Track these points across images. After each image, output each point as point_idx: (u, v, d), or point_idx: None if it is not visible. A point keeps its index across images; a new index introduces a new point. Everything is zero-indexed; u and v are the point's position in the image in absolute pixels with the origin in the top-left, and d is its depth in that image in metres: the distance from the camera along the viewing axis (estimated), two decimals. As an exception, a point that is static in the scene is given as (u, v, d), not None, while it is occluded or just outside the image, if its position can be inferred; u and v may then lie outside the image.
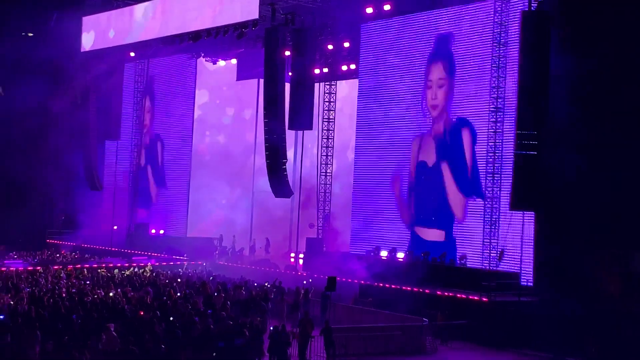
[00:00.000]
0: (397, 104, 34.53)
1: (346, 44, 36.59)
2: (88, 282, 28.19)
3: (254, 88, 44.33)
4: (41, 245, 45.13)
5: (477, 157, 30.61)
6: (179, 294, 25.44)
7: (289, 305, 26.40)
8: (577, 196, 25.57)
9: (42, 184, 48.74)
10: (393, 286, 28.62)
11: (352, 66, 37.89)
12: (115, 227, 45.32)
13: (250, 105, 45.16)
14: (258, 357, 19.68)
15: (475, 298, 26.05)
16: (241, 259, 39.45)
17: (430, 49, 33.28)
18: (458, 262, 30.04)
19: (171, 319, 20.25)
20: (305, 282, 29.91)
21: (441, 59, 32.80)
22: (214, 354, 18.66)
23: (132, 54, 41.79)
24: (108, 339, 17.48)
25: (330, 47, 36.48)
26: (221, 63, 44.38)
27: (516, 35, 27.30)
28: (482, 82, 30.46)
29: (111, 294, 24.42)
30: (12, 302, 21.93)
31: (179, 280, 30.00)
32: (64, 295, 23.96)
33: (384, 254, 32.24)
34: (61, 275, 30.00)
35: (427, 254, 30.59)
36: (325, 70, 38.51)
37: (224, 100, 45.88)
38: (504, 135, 28.52)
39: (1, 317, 17.62)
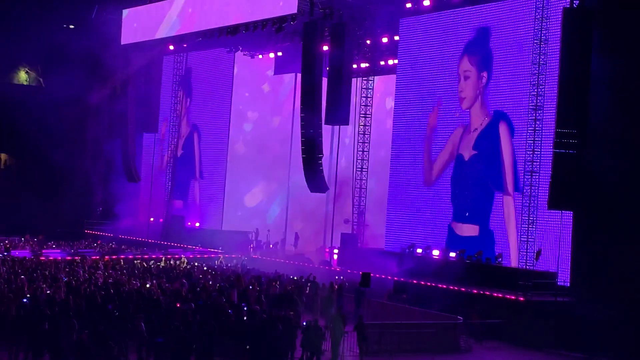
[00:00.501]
0: (434, 99, 34.33)
1: (384, 39, 36.44)
2: (124, 273, 28.43)
3: (292, 82, 44.36)
4: (79, 236, 45.73)
5: (517, 156, 30.31)
6: (213, 286, 25.54)
7: (323, 300, 26.39)
8: (615, 196, 25.19)
9: (80, 174, 49.42)
10: (428, 283, 28.48)
11: (390, 61, 37.74)
12: (151, 219, 45.74)
13: (288, 99, 45.19)
14: (291, 352, 19.72)
15: (512, 297, 25.80)
16: (275, 253, 39.54)
17: (468, 44, 33.04)
18: (494, 260, 29.77)
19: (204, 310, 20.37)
20: (337, 277, 29.84)
21: (470, 52, 32.61)
22: (247, 347, 18.73)
23: (171, 47, 42.07)
24: (135, 330, 17.65)
25: (368, 42, 36.30)
26: (259, 57, 44.42)
27: (557, 32, 26.93)
28: (522, 78, 30.14)
29: (147, 285, 24.61)
30: (49, 292, 22.20)
31: (213, 273, 30.14)
32: (100, 284, 24.23)
33: (419, 251, 32.01)
34: (98, 265, 30.32)
35: (463, 252, 30.39)
36: (363, 65, 38.44)
37: (261, 94, 45.96)
38: (544, 133, 28.21)
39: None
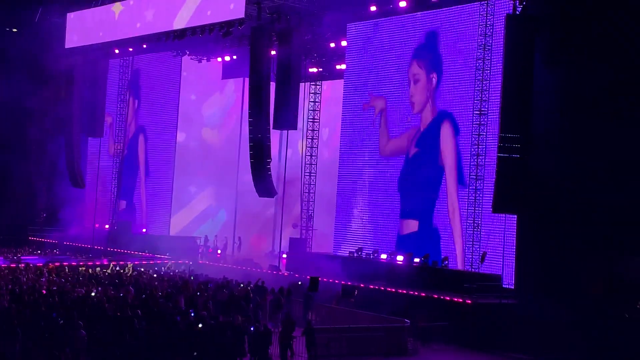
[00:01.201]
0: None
1: (332, 44, 36.60)
2: (69, 280, 27.98)
3: (240, 86, 44.24)
4: (23, 242, 44.87)
5: (461, 159, 30.71)
6: (160, 293, 25.30)
7: (272, 305, 26.34)
8: (559, 200, 25.69)
9: (23, 179, 48.44)
10: (375, 287, 28.65)
11: (338, 66, 37.93)
12: (97, 225, 45.11)
13: (236, 103, 45.05)
14: (240, 357, 19.64)
15: (458, 300, 26.11)
16: (223, 259, 39.33)
17: (414, 49, 33.40)
18: (440, 263, 30.09)
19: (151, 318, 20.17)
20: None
21: (419, 56, 33.00)
22: (195, 354, 18.61)
23: (117, 51, 41.61)
24: (75, 337, 17.39)
25: (316, 46, 36.38)
26: (207, 61, 44.20)
27: (502, 38, 27.37)
28: (468, 83, 30.55)
29: (93, 293, 24.25)
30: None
31: (160, 279, 29.85)
32: (44, 292, 23.80)
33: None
34: (42, 272, 29.79)
35: (411, 255, 30.61)
36: (311, 70, 38.55)
37: (208, 99, 45.74)
38: (488, 137, 28.64)
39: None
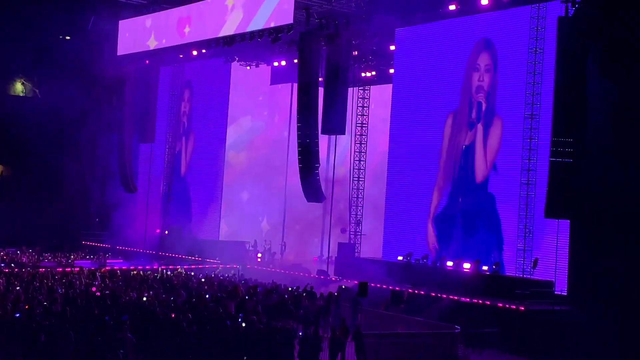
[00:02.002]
0: (430, 109, 34.35)
1: (381, 49, 36.48)
2: (121, 284, 28.36)
3: (288, 92, 44.39)
4: (76, 246, 45.65)
5: (512, 164, 30.28)
6: (209, 297, 25.48)
7: (321, 310, 26.29)
8: (612, 205, 25.22)
9: (77, 185, 49.35)
10: (425, 293, 28.43)
11: (388, 70, 37.82)
12: (158, 231, 45.59)
13: (284, 109, 45.22)
14: (289, 362, 19.66)
15: (510, 306, 25.77)
16: (272, 263, 39.47)
17: (465, 54, 33.07)
18: (491, 269, 29.75)
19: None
20: (344, 286, 29.76)
21: (489, 49, 32.33)
22: (245, 358, 18.68)
23: (166, 58, 42.09)
24: (123, 340, 17.60)
25: (364, 51, 36.33)
26: (256, 67, 44.43)
27: (554, 41, 26.99)
28: (519, 87, 30.14)
29: (144, 297, 24.54)
30: (46, 303, 22.13)
31: (210, 283, 30.07)
32: (97, 295, 24.17)
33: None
34: (95, 276, 30.25)
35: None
36: (360, 74, 38.50)
37: (258, 104, 45.95)
38: (540, 142, 28.27)
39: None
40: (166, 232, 44.74)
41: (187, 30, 38.02)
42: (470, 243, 31.87)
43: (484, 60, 32.55)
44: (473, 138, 32.55)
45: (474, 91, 32.74)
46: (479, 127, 32.36)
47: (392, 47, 36.21)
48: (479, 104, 32.47)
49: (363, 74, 38.55)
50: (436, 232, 33.60)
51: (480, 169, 32.20)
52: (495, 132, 31.59)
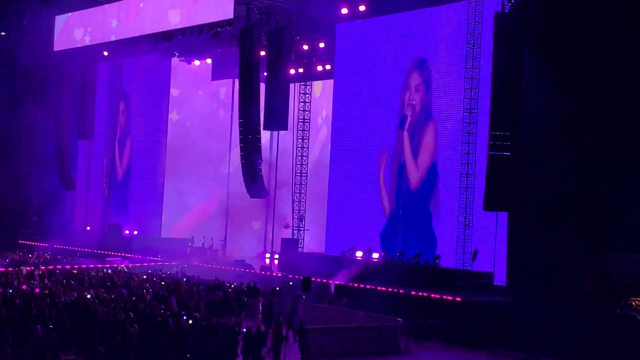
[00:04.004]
0: (372, 104, 34.59)
1: (321, 45, 36.59)
2: (62, 283, 27.87)
3: (229, 88, 44.16)
4: (13, 246, 44.70)
5: (451, 157, 30.69)
6: (151, 294, 25.25)
7: (264, 306, 26.29)
8: (550, 197, 25.76)
9: (13, 183, 48.25)
10: (368, 286, 28.64)
11: (328, 66, 37.94)
12: (88, 228, 44.99)
13: (226, 105, 44.96)
14: (232, 358, 19.61)
15: (450, 298, 26.14)
16: (215, 260, 39.26)
17: (404, 49, 33.33)
18: (432, 261, 30.12)
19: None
20: (291, 283, 29.74)
21: (420, 67, 32.70)
22: (188, 355, 18.58)
23: (106, 53, 41.50)
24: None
25: (305, 47, 36.45)
26: (196, 63, 44.05)
27: (490, 36, 27.43)
28: (456, 82, 30.57)
29: (88, 296, 24.16)
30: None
31: (152, 281, 29.77)
32: (36, 294, 23.73)
33: (359, 254, 32.22)
34: (34, 276, 29.67)
35: (402, 254, 30.67)
36: (301, 70, 38.54)
37: (198, 100, 45.56)
38: (479, 136, 28.70)
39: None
40: (88, 228, 44.10)
41: (126, 24, 37.48)
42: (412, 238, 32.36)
43: (414, 81, 32.90)
44: (402, 146, 32.93)
45: (406, 97, 33.07)
46: (405, 135, 32.79)
47: (332, 43, 36.28)
48: (404, 116, 32.88)
49: (302, 70, 38.55)
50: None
51: (413, 175, 32.54)
52: (430, 134, 31.92)
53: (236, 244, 42.98)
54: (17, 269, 31.79)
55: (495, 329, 24.88)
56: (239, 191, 38.75)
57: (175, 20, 34.78)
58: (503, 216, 27.67)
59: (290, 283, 29.59)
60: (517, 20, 26.15)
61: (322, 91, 40.45)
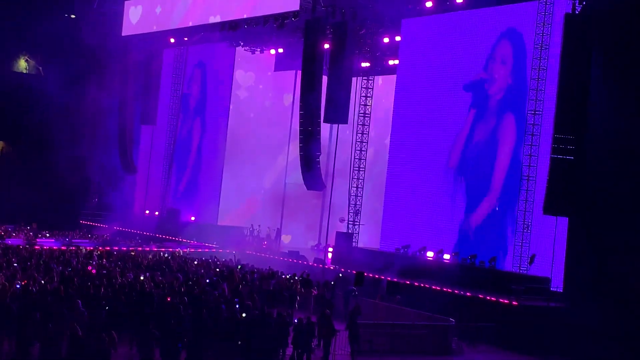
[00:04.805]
0: (434, 102, 34.28)
1: (385, 39, 36.40)
2: (118, 265, 28.37)
3: (292, 78, 44.25)
4: (74, 226, 45.65)
5: (513, 159, 30.25)
6: (207, 281, 25.51)
7: (316, 298, 26.36)
8: (611, 203, 25.20)
9: (77, 165, 49.24)
10: (421, 285, 28.45)
11: (392, 62, 37.71)
12: (147, 212, 45.65)
13: (288, 95, 45.06)
14: (282, 348, 19.70)
15: (505, 301, 25.79)
16: (269, 250, 39.48)
17: (470, 47, 32.91)
18: (488, 263, 29.75)
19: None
20: (340, 274, 29.76)
21: (510, 38, 31.82)
22: (239, 342, 18.72)
23: (172, 40, 42.00)
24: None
25: (369, 41, 36.25)
26: (260, 53, 44.24)
27: (559, 38, 26.90)
28: (522, 82, 30.06)
29: (141, 278, 24.55)
30: (42, 281, 22.15)
31: (208, 267, 30.08)
32: (93, 276, 24.19)
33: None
34: (92, 256, 30.27)
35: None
36: (364, 64, 38.40)
37: (261, 90, 45.79)
38: (542, 138, 28.23)
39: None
40: (147, 211, 44.66)
41: (193, 12, 37.89)
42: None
43: (500, 51, 32.02)
44: (487, 131, 32.31)
45: (486, 85, 32.48)
46: (492, 121, 32.25)
47: (398, 38, 36.06)
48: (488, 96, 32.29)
49: (366, 64, 38.40)
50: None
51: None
52: (509, 126, 31.32)
53: (291, 234, 43.14)
54: (76, 248, 32.50)
55: (549, 335, 24.48)
56: (295, 182, 38.89)
57: (241, 9, 34.99)
58: (563, 221, 27.15)
59: (340, 275, 29.55)
60: (587, 21, 25.58)
61: (384, 86, 40.20)
